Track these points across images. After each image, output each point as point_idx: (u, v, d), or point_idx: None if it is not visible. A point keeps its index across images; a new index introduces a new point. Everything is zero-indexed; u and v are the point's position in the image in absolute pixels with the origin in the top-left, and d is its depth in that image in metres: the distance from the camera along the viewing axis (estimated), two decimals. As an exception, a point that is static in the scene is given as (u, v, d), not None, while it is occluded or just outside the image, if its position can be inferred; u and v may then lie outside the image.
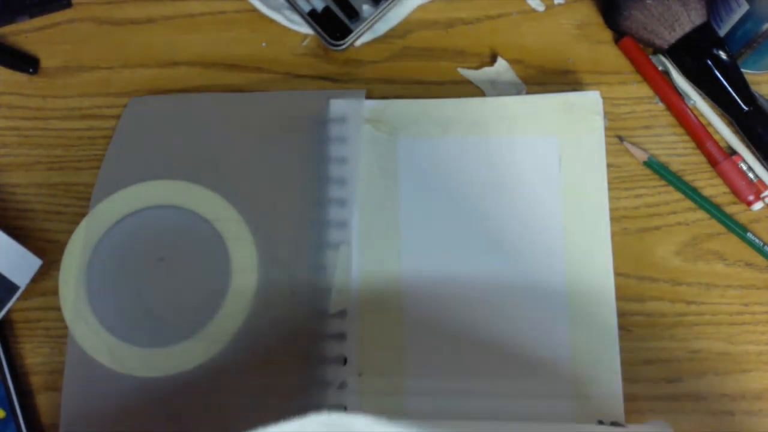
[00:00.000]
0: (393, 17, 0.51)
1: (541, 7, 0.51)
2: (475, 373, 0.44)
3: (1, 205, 0.49)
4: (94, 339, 0.44)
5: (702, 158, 0.48)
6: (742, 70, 0.48)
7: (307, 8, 0.50)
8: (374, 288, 0.45)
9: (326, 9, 0.50)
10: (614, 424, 0.42)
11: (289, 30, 0.51)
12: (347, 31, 0.50)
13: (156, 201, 0.46)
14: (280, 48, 0.51)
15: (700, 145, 0.48)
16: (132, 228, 0.46)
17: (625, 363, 0.44)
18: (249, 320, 0.44)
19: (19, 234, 0.45)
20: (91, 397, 0.44)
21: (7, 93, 0.51)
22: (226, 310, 0.44)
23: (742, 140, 0.48)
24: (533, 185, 0.46)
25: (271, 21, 0.51)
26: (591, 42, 0.50)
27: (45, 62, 0.51)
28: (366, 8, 0.50)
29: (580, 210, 0.46)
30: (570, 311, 0.44)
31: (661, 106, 0.49)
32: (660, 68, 0.49)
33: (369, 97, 0.48)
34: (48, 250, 0.48)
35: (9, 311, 0.47)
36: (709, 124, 0.49)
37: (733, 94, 0.47)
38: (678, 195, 0.48)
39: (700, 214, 0.47)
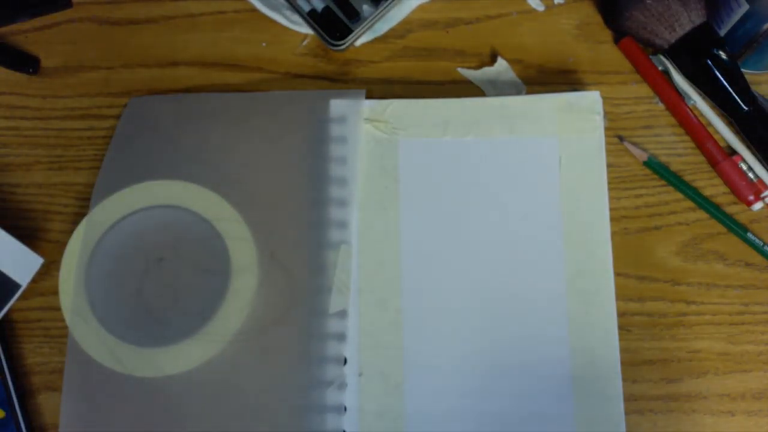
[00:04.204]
0: (393, 17, 0.51)
1: (541, 7, 0.51)
2: (474, 373, 0.44)
3: (1, 205, 0.49)
4: (94, 339, 0.44)
5: (702, 158, 0.48)
6: (742, 70, 0.48)
7: (307, 8, 0.50)
8: (374, 288, 0.45)
9: (326, 9, 0.50)
10: None
11: (289, 30, 0.51)
12: (347, 31, 0.50)
13: (156, 201, 0.46)
14: (280, 48, 0.51)
15: (700, 145, 0.48)
16: (132, 228, 0.46)
17: (625, 363, 0.44)
18: (249, 320, 0.44)
19: (19, 234, 0.45)
20: (91, 397, 0.44)
21: (7, 93, 0.51)
22: (226, 310, 0.44)
23: (742, 140, 0.48)
24: (533, 185, 0.46)
25: (271, 21, 0.51)
26: (591, 42, 0.50)
27: (45, 62, 0.51)
28: (366, 8, 0.50)
29: (580, 210, 0.46)
30: (570, 311, 0.44)
31: (661, 106, 0.49)
32: (660, 68, 0.49)
33: (369, 97, 0.48)
34: (48, 250, 0.48)
35: (9, 311, 0.47)
36: (709, 124, 0.49)
37: (733, 94, 0.47)
38: (678, 195, 0.48)
39: (700, 214, 0.47)
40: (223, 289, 0.44)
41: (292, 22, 0.51)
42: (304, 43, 0.51)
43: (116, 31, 0.52)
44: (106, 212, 0.46)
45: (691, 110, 0.48)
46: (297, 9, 0.51)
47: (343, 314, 0.45)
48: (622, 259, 0.46)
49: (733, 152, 0.48)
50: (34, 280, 0.46)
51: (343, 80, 0.50)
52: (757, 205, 0.47)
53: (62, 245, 0.46)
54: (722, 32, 0.48)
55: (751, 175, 0.47)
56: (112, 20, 0.52)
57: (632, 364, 0.45)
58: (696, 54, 0.47)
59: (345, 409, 0.44)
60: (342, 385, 0.44)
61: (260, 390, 0.44)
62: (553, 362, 0.44)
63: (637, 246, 0.47)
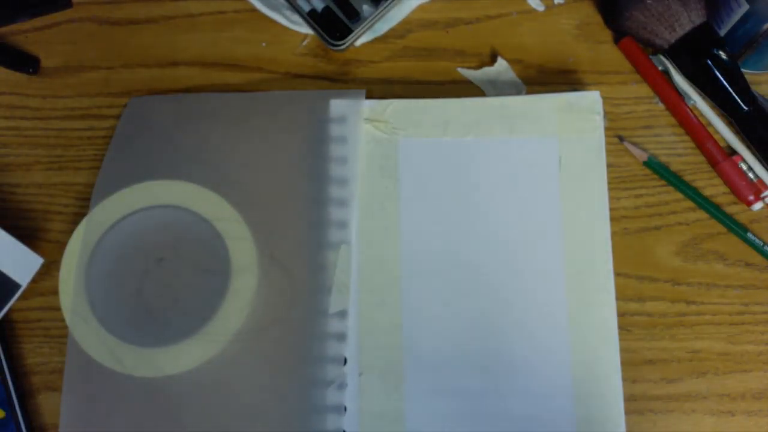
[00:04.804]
0: (393, 17, 0.51)
1: (541, 7, 0.51)
2: (474, 373, 0.44)
3: (1, 205, 0.49)
4: (94, 339, 0.44)
5: (702, 158, 0.48)
6: (742, 70, 0.48)
7: (307, 8, 0.50)
8: (374, 288, 0.45)
9: (326, 9, 0.50)
10: None
11: (289, 30, 0.51)
12: (347, 31, 0.50)
13: (156, 201, 0.46)
14: (280, 48, 0.51)
15: (700, 145, 0.48)
16: (132, 228, 0.46)
17: (625, 363, 0.44)
18: (249, 320, 0.44)
19: (19, 234, 0.45)
20: (91, 397, 0.44)
21: (7, 93, 0.51)
22: (226, 310, 0.44)
23: (742, 140, 0.48)
24: (533, 185, 0.46)
25: (271, 21, 0.51)
26: (591, 42, 0.50)
27: (45, 62, 0.51)
28: (366, 8, 0.50)
29: (580, 210, 0.46)
30: (570, 311, 0.44)
31: (661, 106, 0.49)
32: (660, 68, 0.49)
33: (369, 97, 0.48)
34: (48, 250, 0.48)
35: (9, 311, 0.47)
36: (709, 124, 0.49)
37: (733, 94, 0.47)
38: (678, 195, 0.48)
39: (700, 214, 0.47)
40: (223, 289, 0.44)
41: (292, 22, 0.51)
42: (304, 43, 0.51)
43: (116, 31, 0.52)
44: (106, 212, 0.46)
45: (691, 110, 0.48)
46: (297, 9, 0.51)
47: (343, 314, 0.45)
48: (622, 259, 0.46)
49: (733, 152, 0.48)
50: (34, 280, 0.46)
51: (343, 80, 0.50)
52: (757, 205, 0.47)
53: (62, 245, 0.46)
54: (722, 32, 0.48)
55: (751, 175, 0.47)
56: (112, 20, 0.52)
57: (632, 364, 0.45)
58: (696, 54, 0.47)
59: (345, 409, 0.44)
60: (342, 385, 0.44)
61: (260, 390, 0.44)
62: (554, 362, 0.44)
63: (637, 246, 0.47)
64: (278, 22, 0.51)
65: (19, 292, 0.45)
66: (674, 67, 0.49)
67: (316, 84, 0.50)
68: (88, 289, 0.45)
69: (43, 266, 0.46)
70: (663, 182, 0.48)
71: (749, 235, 0.46)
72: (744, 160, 0.47)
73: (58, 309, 0.45)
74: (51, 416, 0.46)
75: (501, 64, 0.50)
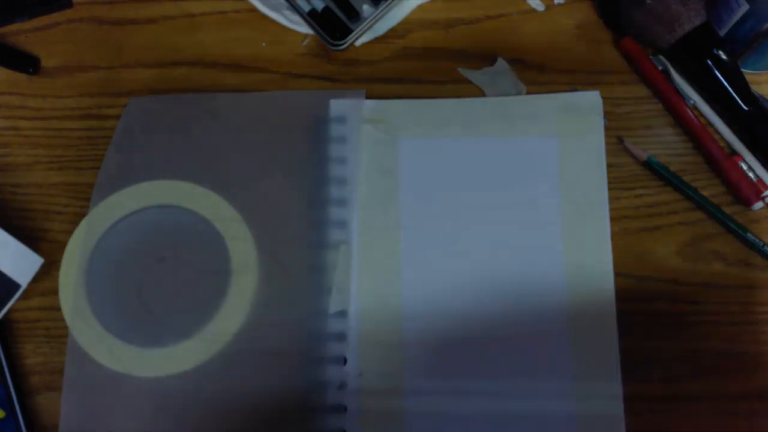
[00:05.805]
0: (393, 17, 0.51)
1: (541, 7, 0.51)
2: (475, 373, 0.44)
3: (1, 205, 0.49)
4: (94, 339, 0.44)
5: (702, 158, 0.48)
6: (742, 70, 0.48)
7: (307, 8, 0.50)
8: (374, 288, 0.45)
9: (326, 9, 0.50)
10: None
11: (289, 30, 0.51)
12: (347, 31, 0.50)
13: (156, 201, 0.46)
14: (280, 48, 0.51)
15: (700, 145, 0.48)
16: (132, 228, 0.46)
17: (625, 363, 0.44)
18: (249, 320, 0.44)
19: (19, 234, 0.45)
20: (91, 397, 0.44)
21: (7, 93, 0.51)
22: (226, 310, 0.44)
23: (742, 140, 0.48)
24: (533, 185, 0.46)
25: (271, 21, 0.51)
26: (591, 42, 0.50)
27: (45, 62, 0.51)
28: (366, 8, 0.50)
29: (580, 210, 0.46)
30: (570, 311, 0.44)
31: (661, 106, 0.49)
32: (660, 68, 0.49)
33: (369, 97, 0.48)
34: (48, 250, 0.48)
35: (9, 311, 0.47)
36: (709, 124, 0.49)
37: (733, 94, 0.47)
38: (678, 195, 0.48)
39: (700, 214, 0.47)
40: (223, 289, 0.44)
41: (292, 22, 0.51)
42: (304, 43, 0.51)
43: (116, 31, 0.52)
44: (106, 212, 0.46)
45: (691, 110, 0.48)
46: (297, 9, 0.51)
47: (343, 314, 0.45)
48: (622, 259, 0.46)
49: (733, 152, 0.48)
50: (34, 280, 0.46)
51: (343, 80, 0.50)
52: (757, 205, 0.47)
53: (62, 245, 0.46)
54: (722, 32, 0.48)
55: (751, 175, 0.47)
56: (112, 20, 0.52)
57: (632, 364, 0.45)
58: (696, 54, 0.47)
59: (345, 409, 0.44)
60: (342, 385, 0.44)
61: (260, 390, 0.44)
62: (554, 363, 0.44)
63: (637, 246, 0.47)
64: (278, 22, 0.51)
65: (19, 292, 0.45)
66: (674, 67, 0.49)
67: (316, 84, 0.50)
68: (88, 289, 0.45)
69: (43, 266, 0.46)
70: (663, 182, 0.48)
71: (749, 235, 0.46)
72: (744, 160, 0.47)
73: (58, 309, 0.45)
74: (51, 416, 0.46)
75: (501, 64, 0.50)
